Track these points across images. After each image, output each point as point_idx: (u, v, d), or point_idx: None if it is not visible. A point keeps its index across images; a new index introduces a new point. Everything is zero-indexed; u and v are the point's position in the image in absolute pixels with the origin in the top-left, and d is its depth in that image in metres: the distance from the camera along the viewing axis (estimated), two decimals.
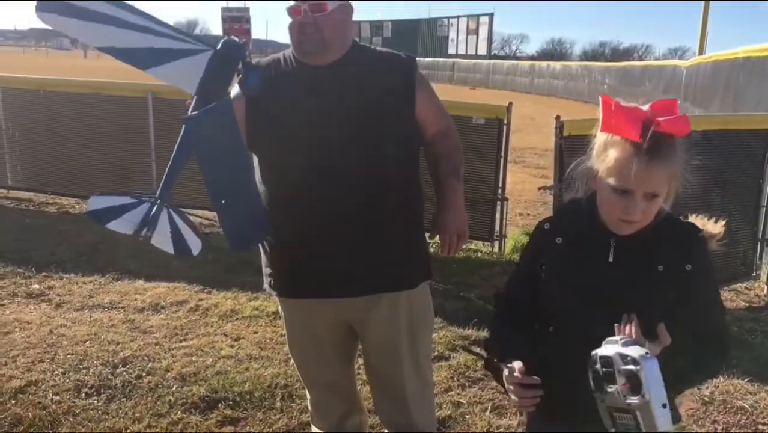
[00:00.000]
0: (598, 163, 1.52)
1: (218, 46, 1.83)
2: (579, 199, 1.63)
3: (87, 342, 3.81)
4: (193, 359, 3.66)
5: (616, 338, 1.40)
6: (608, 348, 1.39)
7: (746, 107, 7.02)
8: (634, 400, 1.33)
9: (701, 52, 17.06)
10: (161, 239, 1.93)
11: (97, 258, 5.28)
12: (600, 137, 1.52)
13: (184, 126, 1.88)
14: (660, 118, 1.44)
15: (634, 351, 1.35)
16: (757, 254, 5.11)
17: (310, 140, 2.04)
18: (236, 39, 1.87)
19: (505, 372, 1.56)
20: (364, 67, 2.13)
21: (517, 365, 1.54)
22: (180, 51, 1.78)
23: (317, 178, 2.05)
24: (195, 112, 1.82)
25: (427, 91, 2.22)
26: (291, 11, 2.03)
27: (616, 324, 1.43)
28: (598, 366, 1.40)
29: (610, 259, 1.55)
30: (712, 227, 1.60)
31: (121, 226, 1.90)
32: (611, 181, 1.48)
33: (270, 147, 2.10)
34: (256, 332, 4.05)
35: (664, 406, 1.32)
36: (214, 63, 1.80)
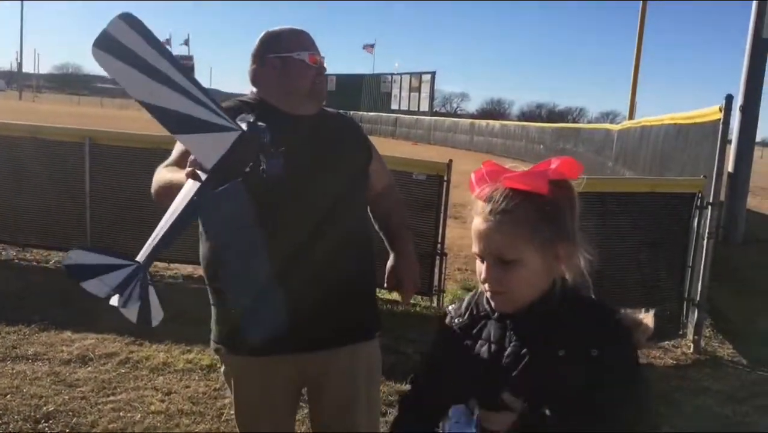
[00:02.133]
0: None
1: (244, 127, 1.75)
2: None
3: (8, 396, 3.62)
4: (121, 414, 3.53)
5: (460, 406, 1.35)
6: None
7: (672, 171, 7.35)
8: None
9: (631, 117, 17.88)
10: (128, 308, 1.82)
11: (23, 307, 5.07)
12: None
13: (193, 204, 1.76)
14: (507, 174, 1.34)
15: (456, 413, 1.33)
16: (684, 313, 5.30)
17: (293, 190, 2.00)
18: (258, 122, 1.77)
19: None
20: (334, 121, 2.24)
21: None
22: (213, 125, 1.71)
23: (290, 230, 2.02)
24: (208, 193, 1.72)
25: (375, 148, 2.33)
26: (311, 58, 2.12)
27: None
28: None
29: (506, 343, 1.38)
30: (640, 315, 1.37)
31: (96, 287, 1.77)
32: (473, 246, 1.38)
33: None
34: (188, 386, 3.93)
35: None
36: (240, 144, 1.72)
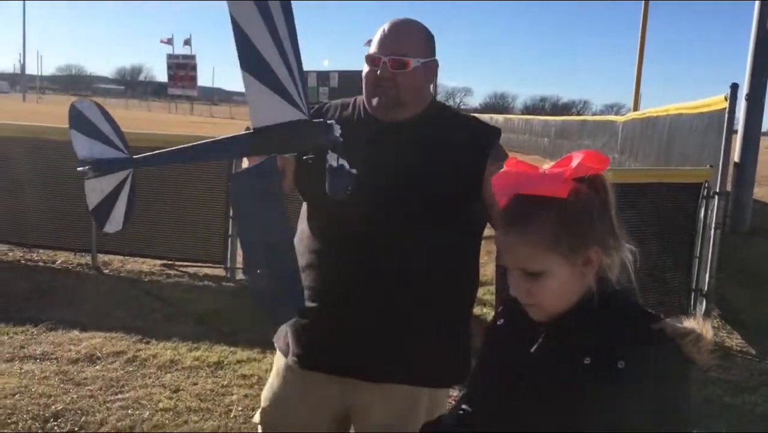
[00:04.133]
0: None
1: (314, 120, 1.61)
2: None
3: (17, 395, 3.63)
4: (129, 412, 3.53)
5: None
6: None
7: (677, 161, 7.32)
8: None
9: (636, 108, 17.81)
10: (94, 189, 1.70)
11: (30, 307, 5.08)
12: None
13: (222, 143, 1.66)
14: (522, 181, 1.24)
15: None
16: (692, 304, 5.28)
17: (359, 201, 1.75)
18: (336, 127, 1.61)
19: None
20: (435, 131, 1.92)
21: None
22: (287, 94, 1.56)
23: (367, 243, 1.85)
24: (242, 169, 1.63)
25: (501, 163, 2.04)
26: (369, 59, 1.88)
27: None
28: None
29: (535, 346, 1.30)
30: (691, 323, 1.22)
31: (81, 145, 1.67)
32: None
33: (314, 199, 1.92)
34: (196, 384, 3.94)
35: None
36: (293, 128, 1.58)
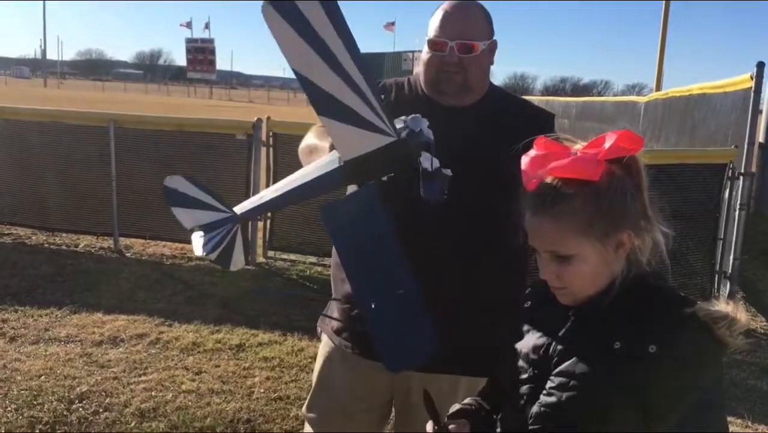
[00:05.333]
0: None
1: (404, 135, 1.51)
2: None
3: (42, 377, 3.68)
4: (153, 393, 3.57)
5: None
6: None
7: (701, 142, 7.21)
8: None
9: (658, 88, 17.55)
10: (210, 246, 1.72)
11: (54, 290, 5.15)
12: None
13: (316, 185, 1.60)
14: (553, 163, 1.20)
15: None
16: (716, 286, 5.22)
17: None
18: (425, 128, 1.54)
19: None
20: (499, 116, 1.87)
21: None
22: (367, 123, 1.49)
23: (428, 228, 1.76)
24: (335, 203, 1.56)
25: None
26: (433, 45, 1.81)
27: None
28: None
29: (562, 330, 1.28)
30: (722, 306, 1.19)
31: (184, 218, 1.73)
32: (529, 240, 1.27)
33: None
34: (218, 366, 3.97)
35: None
36: (386, 153, 1.50)
